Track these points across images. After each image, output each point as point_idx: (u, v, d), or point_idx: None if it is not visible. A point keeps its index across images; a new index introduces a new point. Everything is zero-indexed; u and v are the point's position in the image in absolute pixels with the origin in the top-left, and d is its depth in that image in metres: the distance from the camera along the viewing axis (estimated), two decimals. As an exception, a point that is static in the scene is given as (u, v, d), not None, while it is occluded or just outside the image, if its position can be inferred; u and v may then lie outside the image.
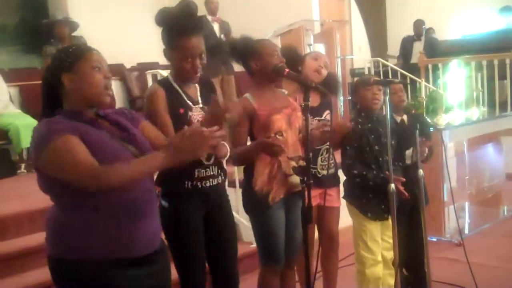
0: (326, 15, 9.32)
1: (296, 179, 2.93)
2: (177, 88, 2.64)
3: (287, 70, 2.86)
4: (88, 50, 2.10)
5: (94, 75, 2.05)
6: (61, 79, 2.05)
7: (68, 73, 2.05)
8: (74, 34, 6.12)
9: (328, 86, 3.38)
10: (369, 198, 3.48)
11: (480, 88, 7.40)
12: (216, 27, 7.79)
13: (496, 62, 7.41)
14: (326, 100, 3.47)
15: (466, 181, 5.81)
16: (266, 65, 2.91)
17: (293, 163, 2.90)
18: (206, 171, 2.65)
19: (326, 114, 3.44)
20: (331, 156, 3.43)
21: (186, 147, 1.91)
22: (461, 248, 3.91)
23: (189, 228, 2.62)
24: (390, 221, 3.47)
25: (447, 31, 10.42)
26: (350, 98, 6.43)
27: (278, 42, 6.36)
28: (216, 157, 2.67)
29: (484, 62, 7.41)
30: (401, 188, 3.27)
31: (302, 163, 2.86)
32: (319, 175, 3.37)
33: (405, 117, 3.84)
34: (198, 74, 2.62)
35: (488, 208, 6.28)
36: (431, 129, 4.08)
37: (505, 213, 6.31)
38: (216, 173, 2.69)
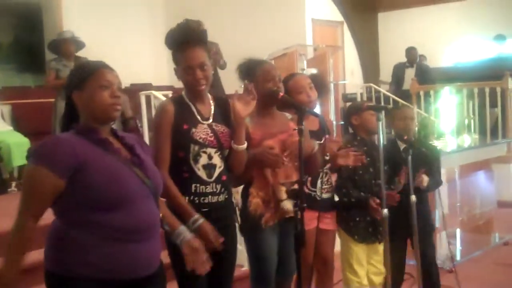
0: (319, 40, 9.39)
1: (288, 205, 2.89)
2: (189, 103, 2.64)
3: (281, 94, 2.84)
4: (99, 67, 2.10)
5: (99, 94, 2.05)
6: (71, 97, 2.09)
7: (77, 91, 2.07)
8: (77, 54, 6.17)
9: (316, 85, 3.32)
10: (356, 221, 3.49)
11: (471, 115, 7.46)
12: None
13: (487, 90, 7.48)
14: (324, 124, 3.43)
15: (457, 208, 5.81)
16: (261, 89, 2.83)
17: (284, 189, 2.89)
18: (206, 187, 2.60)
19: (324, 139, 3.41)
20: (329, 179, 3.42)
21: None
22: (453, 275, 3.90)
23: None
24: (379, 245, 3.48)
25: (440, 59, 10.52)
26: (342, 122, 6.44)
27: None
28: (219, 175, 2.64)
29: (476, 90, 7.47)
30: (376, 206, 3.28)
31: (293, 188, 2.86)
32: (319, 199, 3.33)
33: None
34: (203, 86, 2.60)
35: (479, 235, 6.28)
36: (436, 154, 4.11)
37: (497, 240, 6.30)
38: (218, 191, 2.63)
